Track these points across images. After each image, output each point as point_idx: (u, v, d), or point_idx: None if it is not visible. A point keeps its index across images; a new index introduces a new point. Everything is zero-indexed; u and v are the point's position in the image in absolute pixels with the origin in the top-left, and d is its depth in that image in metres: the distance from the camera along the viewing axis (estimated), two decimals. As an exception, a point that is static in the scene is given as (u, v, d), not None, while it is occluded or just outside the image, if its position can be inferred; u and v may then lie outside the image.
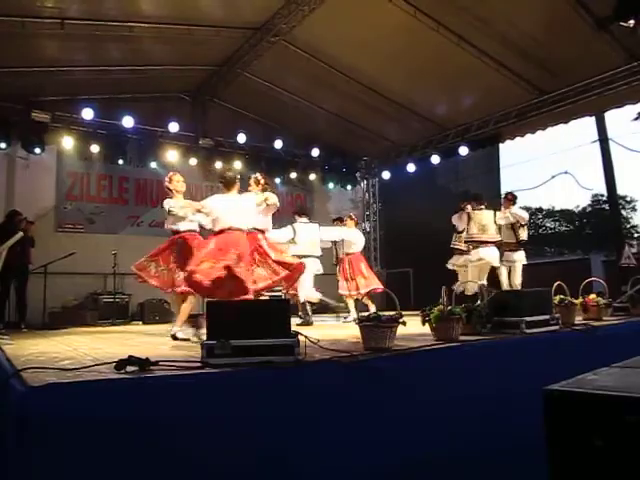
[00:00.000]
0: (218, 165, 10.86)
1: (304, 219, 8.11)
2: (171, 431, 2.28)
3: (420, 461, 2.89)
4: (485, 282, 7.48)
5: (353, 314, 7.50)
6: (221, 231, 4.89)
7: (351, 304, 8.08)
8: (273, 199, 5.40)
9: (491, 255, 7.56)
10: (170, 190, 5.65)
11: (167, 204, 5.50)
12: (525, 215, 8.09)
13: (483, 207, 7.78)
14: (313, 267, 7.63)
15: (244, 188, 5.77)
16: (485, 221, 7.65)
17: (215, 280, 4.53)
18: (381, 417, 2.88)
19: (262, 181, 6.06)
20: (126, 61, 8.90)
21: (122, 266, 9.18)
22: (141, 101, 10.12)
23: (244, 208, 5.11)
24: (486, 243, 7.59)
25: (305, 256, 7.45)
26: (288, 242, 7.64)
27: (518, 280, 7.93)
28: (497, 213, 7.83)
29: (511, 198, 8.08)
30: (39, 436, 2.03)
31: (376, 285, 8.23)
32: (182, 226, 5.54)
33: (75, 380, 2.35)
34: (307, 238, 7.82)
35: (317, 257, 7.88)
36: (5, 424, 2.21)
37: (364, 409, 2.84)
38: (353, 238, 8.41)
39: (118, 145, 10.01)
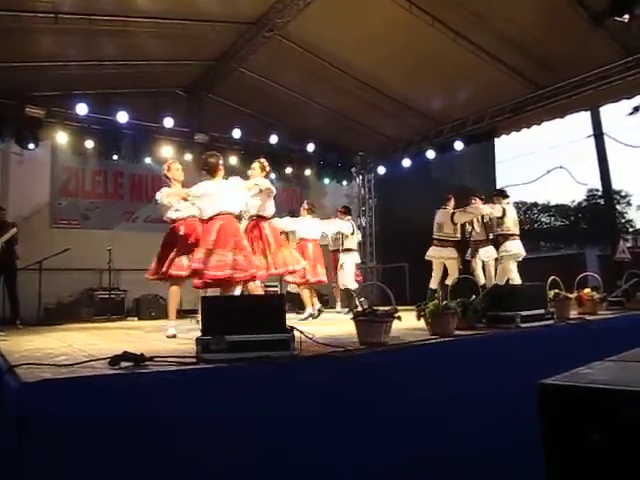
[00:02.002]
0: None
1: (350, 216, 8.95)
2: (166, 427, 2.28)
3: (418, 458, 2.90)
4: (516, 276, 7.79)
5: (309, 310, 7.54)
6: (212, 217, 4.87)
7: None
8: (265, 184, 5.41)
9: (521, 248, 7.92)
10: (168, 178, 5.50)
11: (157, 195, 5.39)
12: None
13: (509, 200, 8.20)
14: (357, 259, 8.89)
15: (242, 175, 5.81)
16: (515, 215, 8.08)
17: (224, 275, 4.68)
18: (377, 413, 2.89)
19: (267, 168, 6.20)
20: (121, 56, 8.83)
21: (117, 262, 9.20)
22: (136, 96, 10.08)
23: (233, 192, 5.08)
24: (516, 236, 7.94)
25: (354, 250, 8.75)
26: (349, 235, 8.58)
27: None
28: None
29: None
30: (39, 435, 2.03)
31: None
32: (175, 214, 5.43)
33: (70, 376, 2.35)
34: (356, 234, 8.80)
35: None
36: (1, 421, 2.21)
37: (360, 405, 2.84)
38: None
39: (113, 140, 9.96)
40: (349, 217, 8.95)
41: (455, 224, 8.45)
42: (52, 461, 2.03)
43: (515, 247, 7.86)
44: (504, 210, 7.92)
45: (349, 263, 8.52)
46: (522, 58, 8.15)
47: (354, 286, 8.33)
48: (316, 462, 2.58)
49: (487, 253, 8.40)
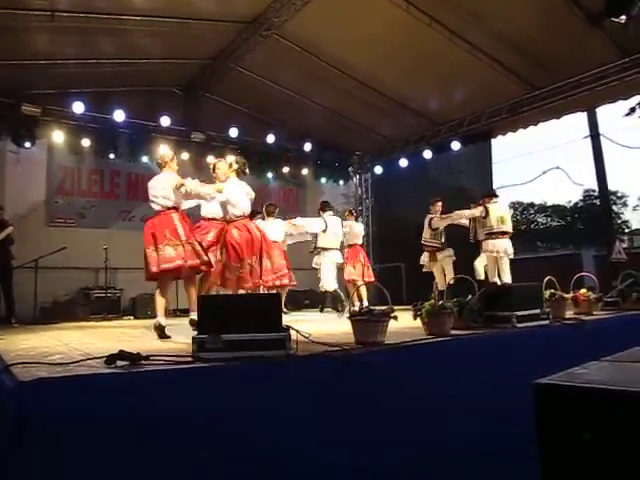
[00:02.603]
0: (210, 159, 10.79)
1: (330, 212, 8.58)
2: (163, 426, 2.28)
3: (418, 458, 2.90)
4: (509, 277, 7.80)
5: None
6: (240, 217, 5.25)
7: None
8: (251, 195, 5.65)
9: (508, 247, 7.86)
10: (169, 167, 5.30)
11: (179, 180, 5.11)
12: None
13: (497, 199, 8.19)
14: (335, 258, 8.41)
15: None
16: (502, 213, 8.03)
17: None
18: (375, 413, 2.89)
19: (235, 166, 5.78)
20: (117, 54, 8.80)
21: (113, 261, 9.18)
22: (132, 95, 10.04)
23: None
24: (504, 234, 7.90)
25: (331, 248, 8.32)
26: (320, 232, 8.32)
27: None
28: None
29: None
30: (38, 436, 2.02)
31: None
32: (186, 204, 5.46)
33: (66, 375, 2.34)
34: (333, 231, 8.39)
35: (338, 249, 8.51)
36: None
37: (358, 405, 2.84)
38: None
39: (109, 139, 9.91)
40: (329, 212, 8.59)
41: (433, 229, 8.57)
42: (51, 461, 2.03)
43: (491, 245, 7.84)
44: (486, 209, 7.94)
45: (325, 264, 8.31)
46: (519, 58, 8.15)
47: (333, 287, 8.22)
48: (315, 462, 2.58)
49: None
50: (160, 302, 4.90)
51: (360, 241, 9.22)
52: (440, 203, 8.71)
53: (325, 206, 8.74)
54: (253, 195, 5.58)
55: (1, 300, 7.97)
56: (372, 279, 8.63)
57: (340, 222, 8.69)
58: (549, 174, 14.38)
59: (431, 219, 8.59)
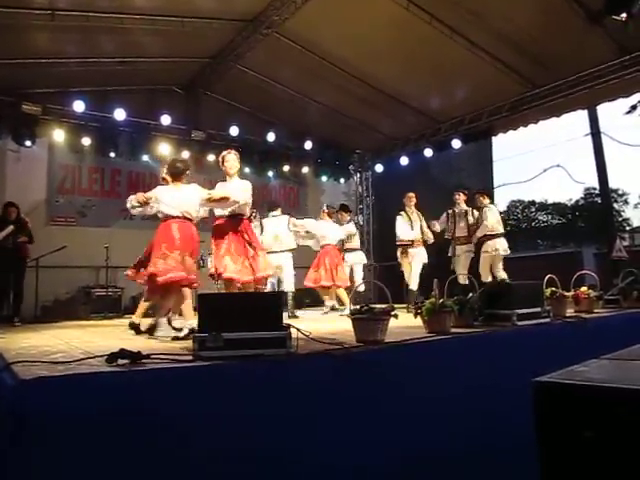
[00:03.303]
0: (211, 158, 10.79)
1: (274, 212, 8.12)
2: (164, 424, 2.28)
3: (418, 458, 2.90)
4: (504, 274, 8.04)
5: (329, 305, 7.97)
6: (167, 221, 4.92)
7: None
8: (237, 194, 5.31)
9: (505, 246, 8.18)
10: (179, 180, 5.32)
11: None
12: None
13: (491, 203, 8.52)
14: (276, 260, 7.49)
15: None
16: (497, 215, 8.37)
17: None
18: (375, 412, 2.89)
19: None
20: (118, 53, 8.80)
21: (114, 259, 9.16)
22: (133, 94, 10.05)
23: (189, 198, 5.07)
24: (500, 236, 8.22)
25: (269, 251, 7.29)
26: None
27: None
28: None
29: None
30: (38, 435, 2.02)
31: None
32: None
33: (67, 373, 2.34)
34: (272, 232, 7.82)
35: (281, 251, 7.74)
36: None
37: (358, 403, 2.85)
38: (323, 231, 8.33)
39: (110, 138, 9.91)
40: (273, 212, 8.09)
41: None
42: (51, 461, 2.03)
43: (493, 244, 8.13)
44: (485, 211, 8.22)
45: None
46: (519, 57, 8.14)
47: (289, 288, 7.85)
48: (315, 462, 2.59)
49: (460, 250, 8.67)
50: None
51: (331, 242, 8.31)
52: (412, 194, 8.56)
53: (270, 207, 8.32)
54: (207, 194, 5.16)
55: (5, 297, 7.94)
56: (333, 283, 8.06)
57: (286, 221, 7.97)
58: (550, 172, 14.41)
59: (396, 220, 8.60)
